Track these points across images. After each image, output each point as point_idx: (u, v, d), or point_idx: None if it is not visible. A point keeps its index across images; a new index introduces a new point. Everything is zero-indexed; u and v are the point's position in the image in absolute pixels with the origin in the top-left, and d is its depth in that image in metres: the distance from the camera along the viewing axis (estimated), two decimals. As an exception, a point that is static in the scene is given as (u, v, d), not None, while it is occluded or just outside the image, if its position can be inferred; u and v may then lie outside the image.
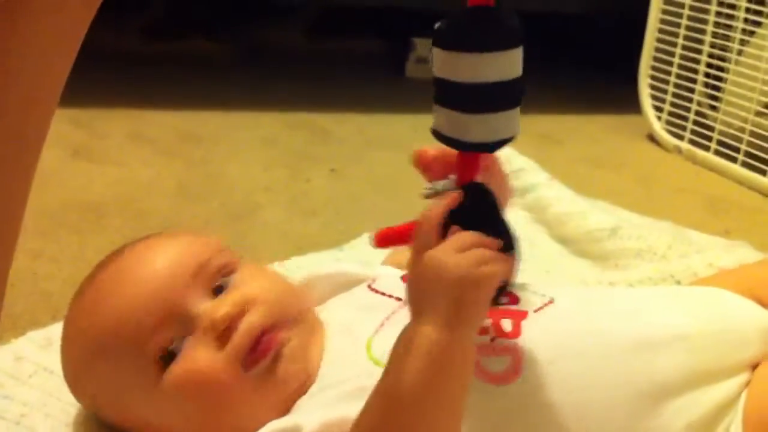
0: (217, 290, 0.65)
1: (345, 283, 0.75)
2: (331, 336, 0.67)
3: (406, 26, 2.16)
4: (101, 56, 2.00)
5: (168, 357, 0.62)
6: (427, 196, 0.57)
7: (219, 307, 0.62)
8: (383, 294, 0.70)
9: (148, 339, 0.62)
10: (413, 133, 1.67)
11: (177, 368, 0.62)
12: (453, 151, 0.57)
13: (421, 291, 0.55)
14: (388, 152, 1.54)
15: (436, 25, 0.48)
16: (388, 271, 0.77)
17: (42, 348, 0.80)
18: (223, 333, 0.61)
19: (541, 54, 2.41)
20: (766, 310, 0.70)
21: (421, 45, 2.13)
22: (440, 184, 0.55)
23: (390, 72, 2.16)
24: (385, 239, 0.60)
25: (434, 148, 0.60)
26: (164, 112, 1.65)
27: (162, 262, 0.65)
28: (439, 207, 0.56)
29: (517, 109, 0.49)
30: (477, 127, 0.48)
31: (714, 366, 0.64)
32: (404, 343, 0.54)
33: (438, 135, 0.50)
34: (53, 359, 0.71)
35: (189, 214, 1.19)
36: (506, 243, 0.54)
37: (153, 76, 1.92)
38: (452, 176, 0.56)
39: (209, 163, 1.41)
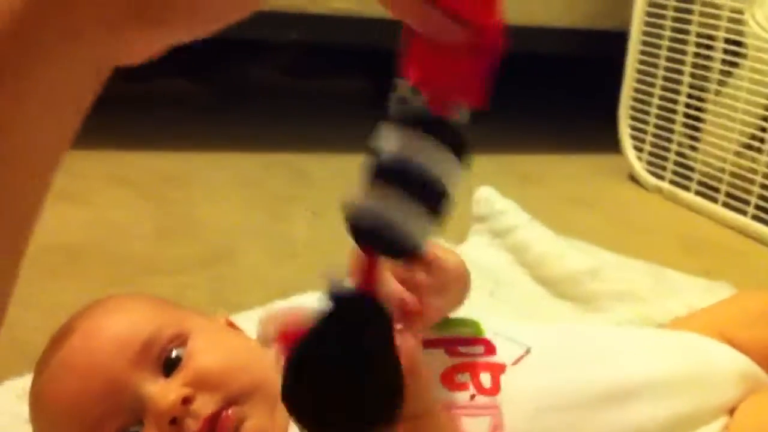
0: (168, 365, 0.62)
1: (307, 318, 0.73)
2: None
3: (389, 66, 2.17)
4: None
5: None
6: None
7: (168, 392, 0.59)
8: None
9: (98, 426, 0.59)
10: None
11: None
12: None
13: None
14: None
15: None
16: None
17: (19, 398, 0.78)
18: (175, 420, 0.58)
19: (521, 94, 2.43)
20: (739, 352, 0.70)
21: (403, 85, 2.13)
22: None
23: (372, 112, 2.16)
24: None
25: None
26: (143, 153, 1.64)
27: (107, 342, 0.61)
28: None
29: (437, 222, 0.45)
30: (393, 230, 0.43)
31: (691, 412, 0.64)
32: None
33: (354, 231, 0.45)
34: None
35: (165, 258, 1.17)
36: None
37: (132, 116, 1.91)
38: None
39: (187, 205, 1.40)
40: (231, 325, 0.72)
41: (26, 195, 0.42)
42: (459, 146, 0.46)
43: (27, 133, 0.39)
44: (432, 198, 0.43)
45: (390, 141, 0.44)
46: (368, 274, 0.46)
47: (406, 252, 0.44)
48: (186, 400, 0.59)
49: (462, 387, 0.61)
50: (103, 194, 1.41)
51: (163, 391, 0.59)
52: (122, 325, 0.63)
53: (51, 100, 0.39)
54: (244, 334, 0.71)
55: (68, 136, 0.43)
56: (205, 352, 0.63)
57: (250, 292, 1.08)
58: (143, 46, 0.40)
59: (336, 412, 0.46)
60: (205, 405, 0.59)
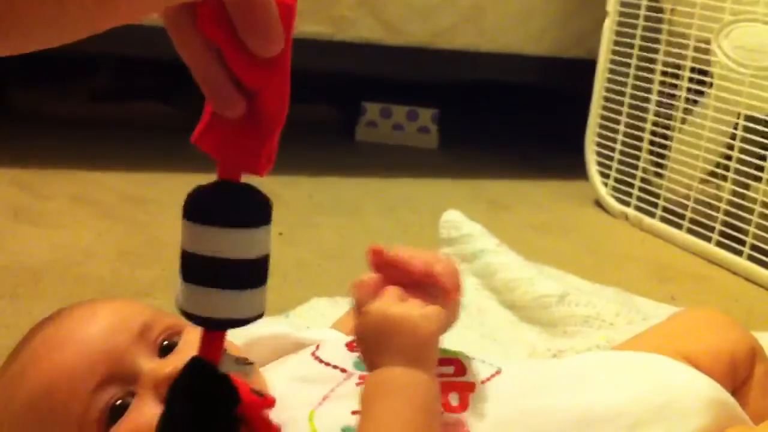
0: (164, 350, 0.63)
1: (287, 347, 0.73)
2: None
3: (357, 91, 2.18)
4: (50, 119, 1.98)
5: (112, 415, 0.59)
6: None
7: (166, 365, 0.60)
8: (327, 364, 0.68)
9: (91, 396, 0.59)
10: (362, 197, 1.66)
11: (122, 426, 0.59)
12: (413, 260, 0.61)
13: (378, 341, 0.57)
14: (336, 216, 1.53)
15: (187, 198, 0.48)
16: (333, 336, 0.75)
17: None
18: None
19: (490, 120, 2.44)
20: (707, 377, 0.70)
21: (372, 109, 2.14)
22: None
23: (340, 136, 2.16)
24: None
25: (390, 253, 0.63)
26: (111, 174, 1.63)
27: (105, 320, 0.62)
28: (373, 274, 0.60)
29: (253, 291, 0.48)
30: (223, 303, 0.47)
31: None
32: (378, 389, 0.56)
33: (185, 314, 0.48)
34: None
35: (130, 280, 1.16)
36: None
37: (101, 138, 1.90)
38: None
39: (154, 227, 1.38)
40: None
41: None
42: (255, 210, 0.48)
43: None
44: (238, 277, 0.46)
45: (189, 237, 0.47)
46: (210, 345, 0.48)
47: (239, 325, 0.47)
48: None
49: None
50: (67, 215, 1.39)
51: (161, 365, 0.61)
52: (121, 308, 0.64)
53: None
54: None
55: None
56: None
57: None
58: None
59: None
60: None
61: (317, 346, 0.71)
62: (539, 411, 0.63)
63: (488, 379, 0.65)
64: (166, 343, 0.63)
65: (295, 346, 0.73)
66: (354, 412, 0.61)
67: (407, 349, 0.56)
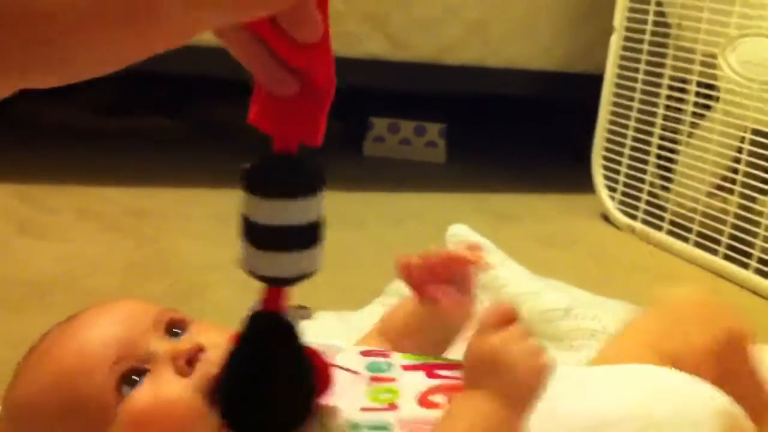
0: (174, 336, 0.66)
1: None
2: None
3: (364, 106, 2.18)
4: (54, 132, 1.99)
5: (125, 382, 0.62)
6: None
7: (183, 343, 0.63)
8: (338, 367, 0.68)
9: (109, 371, 0.61)
10: (369, 210, 1.67)
11: (139, 396, 0.61)
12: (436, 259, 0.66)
13: (488, 370, 0.58)
14: (342, 230, 1.53)
15: (252, 173, 0.51)
16: (347, 345, 0.76)
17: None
18: (187, 362, 0.62)
19: (497, 134, 2.44)
20: (716, 390, 0.70)
21: (379, 124, 2.15)
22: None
23: (348, 151, 2.17)
24: None
25: (416, 258, 0.67)
26: (115, 188, 1.63)
27: (119, 314, 0.66)
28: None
29: (317, 249, 0.52)
30: (292, 263, 0.51)
31: None
32: (466, 409, 0.57)
33: (255, 276, 0.52)
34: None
35: (137, 293, 1.16)
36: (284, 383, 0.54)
37: (105, 151, 1.90)
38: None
39: (160, 240, 1.39)
40: None
41: None
42: (309, 180, 0.51)
43: None
44: (296, 240, 0.50)
45: (258, 210, 0.50)
46: (275, 299, 0.53)
47: (306, 278, 0.52)
48: (201, 350, 0.62)
49: (434, 406, 0.62)
50: (73, 229, 1.40)
51: (176, 344, 0.64)
52: (134, 305, 0.68)
53: None
54: None
55: None
56: (208, 332, 0.66)
57: (222, 328, 1.07)
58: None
59: (259, 417, 0.54)
60: (216, 357, 0.60)
61: (332, 353, 0.71)
62: (549, 416, 0.63)
63: None
64: (176, 330, 0.66)
65: None
66: (363, 409, 0.62)
67: (511, 391, 0.57)
